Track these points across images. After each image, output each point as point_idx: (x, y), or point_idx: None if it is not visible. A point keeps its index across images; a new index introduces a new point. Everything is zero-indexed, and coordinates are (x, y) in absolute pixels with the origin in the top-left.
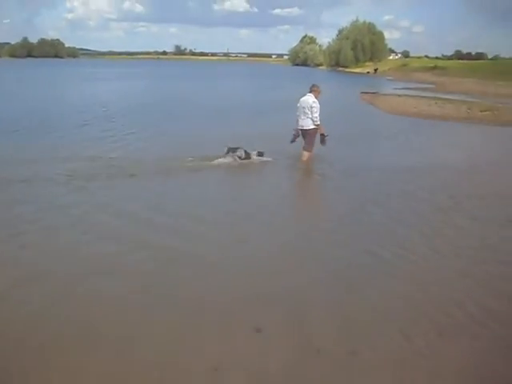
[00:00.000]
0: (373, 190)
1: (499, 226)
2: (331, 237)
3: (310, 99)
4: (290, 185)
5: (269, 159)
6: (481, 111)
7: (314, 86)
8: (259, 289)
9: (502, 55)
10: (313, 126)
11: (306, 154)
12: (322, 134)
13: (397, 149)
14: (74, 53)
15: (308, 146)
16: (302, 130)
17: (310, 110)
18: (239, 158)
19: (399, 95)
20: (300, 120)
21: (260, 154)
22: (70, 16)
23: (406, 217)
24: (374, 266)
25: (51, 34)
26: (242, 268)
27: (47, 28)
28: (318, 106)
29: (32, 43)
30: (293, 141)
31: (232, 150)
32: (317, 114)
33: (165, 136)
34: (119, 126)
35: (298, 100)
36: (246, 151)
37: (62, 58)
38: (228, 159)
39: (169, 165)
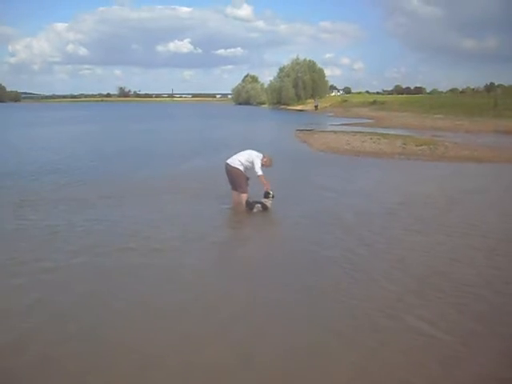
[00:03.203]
0: None
1: None
2: None
3: (259, 155)
4: None
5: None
6: (417, 146)
7: (266, 156)
8: None
9: (439, 89)
10: (238, 167)
11: (243, 196)
12: (267, 192)
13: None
14: (16, 97)
15: (242, 188)
16: (226, 165)
17: (251, 163)
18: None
19: (335, 132)
20: (231, 158)
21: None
22: (12, 60)
23: None
24: None
25: None
26: None
27: None
28: (260, 164)
29: None
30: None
31: (250, 205)
32: (259, 167)
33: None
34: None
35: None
36: (261, 203)
37: (3, 102)
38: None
39: None
